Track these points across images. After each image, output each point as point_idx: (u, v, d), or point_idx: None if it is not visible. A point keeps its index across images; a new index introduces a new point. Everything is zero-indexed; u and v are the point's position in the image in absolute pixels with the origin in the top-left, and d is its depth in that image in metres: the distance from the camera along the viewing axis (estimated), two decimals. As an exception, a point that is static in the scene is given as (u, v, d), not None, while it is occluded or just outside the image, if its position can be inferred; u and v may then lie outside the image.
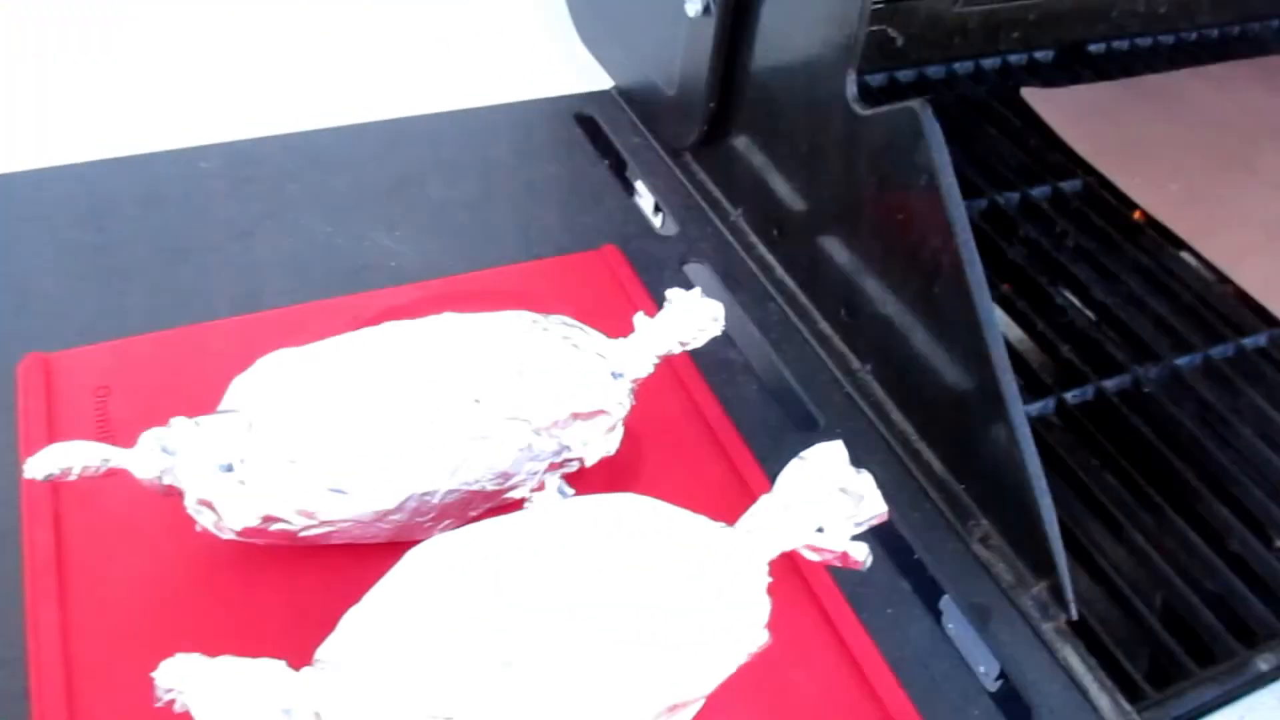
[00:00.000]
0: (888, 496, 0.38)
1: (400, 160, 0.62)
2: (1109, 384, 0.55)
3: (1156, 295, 0.62)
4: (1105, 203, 0.68)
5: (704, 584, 0.35)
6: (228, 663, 0.31)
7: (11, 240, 0.54)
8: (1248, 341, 0.59)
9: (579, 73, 0.71)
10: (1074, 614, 0.43)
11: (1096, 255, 0.64)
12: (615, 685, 0.33)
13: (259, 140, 0.61)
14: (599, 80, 0.70)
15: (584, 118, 0.67)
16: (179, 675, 0.31)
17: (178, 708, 0.31)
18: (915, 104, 0.46)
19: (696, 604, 0.35)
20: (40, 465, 0.36)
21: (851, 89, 0.49)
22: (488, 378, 0.41)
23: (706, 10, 0.56)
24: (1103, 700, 0.41)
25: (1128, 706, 0.41)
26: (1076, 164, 0.71)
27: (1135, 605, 0.45)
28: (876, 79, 0.74)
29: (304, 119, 0.63)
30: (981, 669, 0.43)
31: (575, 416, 0.42)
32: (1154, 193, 0.69)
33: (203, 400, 0.40)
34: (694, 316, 0.45)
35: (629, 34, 0.67)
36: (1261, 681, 0.42)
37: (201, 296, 0.52)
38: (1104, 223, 0.66)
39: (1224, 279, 0.64)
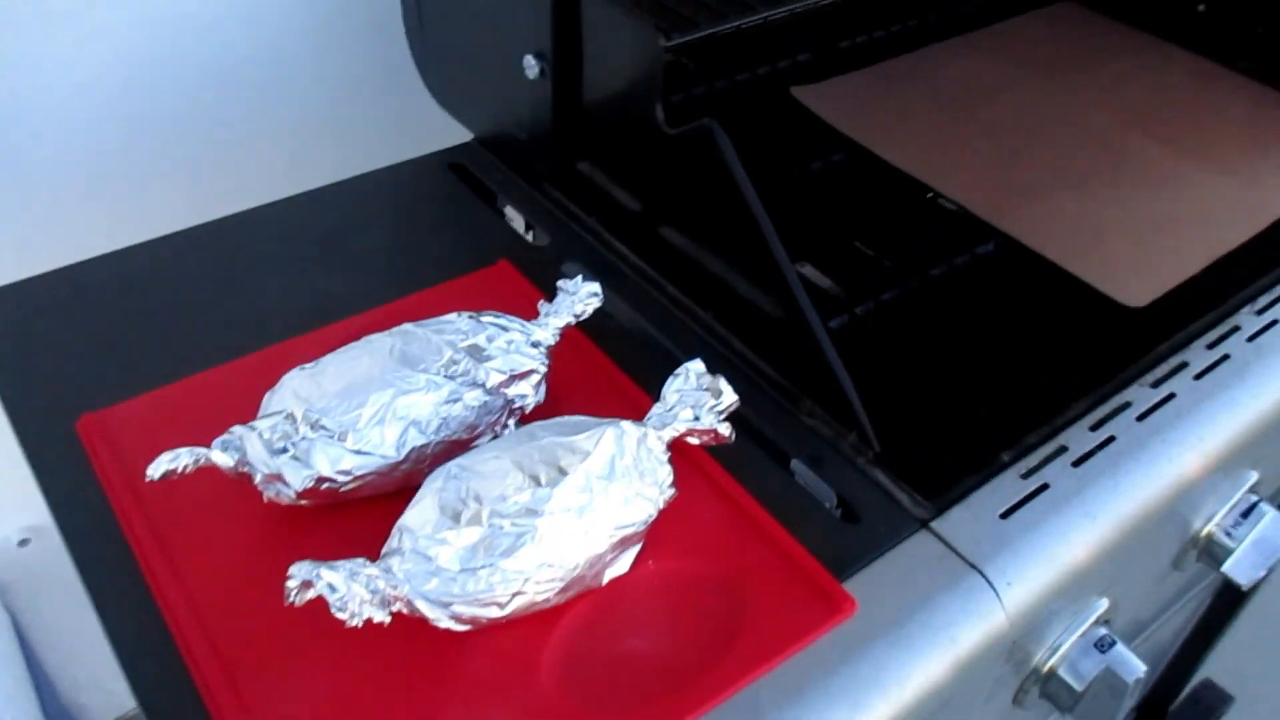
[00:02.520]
0: (740, 397, 0.57)
1: (322, 223, 0.77)
2: (886, 296, 0.76)
3: (913, 229, 0.83)
4: (870, 167, 0.89)
5: (627, 459, 0.53)
6: (331, 563, 0.47)
7: (37, 332, 0.67)
8: (980, 250, 0.81)
9: (448, 130, 0.87)
10: (877, 449, 0.62)
11: (869, 209, 0.84)
12: (582, 527, 0.50)
13: (203, 226, 0.76)
14: (463, 134, 0.87)
15: (456, 165, 0.84)
16: (307, 571, 0.46)
17: (301, 600, 0.47)
18: (707, 121, 0.65)
19: (624, 471, 0.52)
20: (157, 467, 0.51)
21: (660, 115, 0.68)
22: (449, 359, 0.58)
23: (543, 73, 0.74)
24: (903, 498, 0.60)
25: (919, 497, 0.60)
26: (844, 142, 0.91)
27: (920, 434, 0.65)
28: (678, 98, 0.94)
29: (232, 205, 0.78)
30: (824, 500, 0.61)
31: (513, 378, 0.59)
32: (902, 149, 0.90)
33: (226, 420, 0.55)
34: (580, 296, 0.63)
35: (482, 92, 0.84)
36: (1006, 468, 0.63)
37: (197, 352, 0.66)
38: (870, 183, 0.87)
39: (960, 207, 0.85)
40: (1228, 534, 0.76)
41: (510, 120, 0.81)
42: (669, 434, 0.56)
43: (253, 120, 1.00)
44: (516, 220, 0.82)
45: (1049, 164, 0.89)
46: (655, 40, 0.65)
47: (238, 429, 0.54)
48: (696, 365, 0.58)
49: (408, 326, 0.60)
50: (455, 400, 0.57)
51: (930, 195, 0.86)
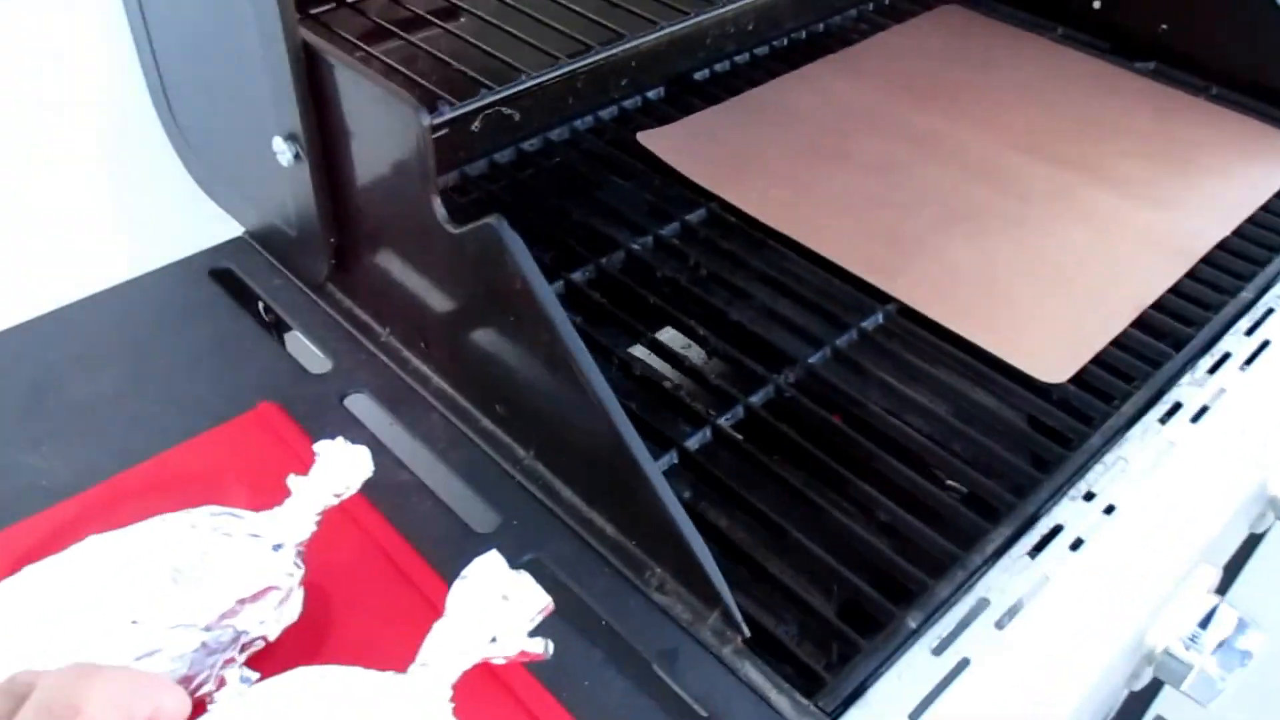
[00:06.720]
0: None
1: (29, 367, 0.60)
2: (755, 399, 0.61)
3: (784, 301, 0.68)
4: (728, 224, 0.74)
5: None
6: None
7: None
8: (866, 324, 0.67)
9: (213, 222, 0.70)
10: (746, 633, 0.48)
11: (726, 277, 0.70)
12: None
13: None
14: (232, 228, 0.71)
15: (220, 271, 0.68)
16: None
17: None
18: (493, 220, 0.49)
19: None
20: None
21: (440, 212, 0.52)
22: (141, 594, 0.41)
23: (298, 157, 0.58)
24: (783, 703, 0.46)
25: (804, 701, 0.46)
26: (699, 193, 0.77)
27: (804, 600, 0.50)
28: (505, 155, 0.78)
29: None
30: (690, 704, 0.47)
31: (242, 602, 0.43)
32: (765, 202, 0.76)
33: None
34: (342, 467, 0.47)
35: (242, 181, 0.67)
36: (914, 637, 0.49)
37: None
38: (730, 244, 0.72)
39: (837, 268, 0.71)
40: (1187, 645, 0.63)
41: (276, 210, 0.65)
42: (451, 673, 0.40)
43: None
44: (294, 339, 0.65)
45: (936, 209, 0.76)
46: (417, 119, 0.50)
47: None
48: (489, 563, 0.43)
49: (93, 541, 0.43)
50: (153, 653, 0.41)
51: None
